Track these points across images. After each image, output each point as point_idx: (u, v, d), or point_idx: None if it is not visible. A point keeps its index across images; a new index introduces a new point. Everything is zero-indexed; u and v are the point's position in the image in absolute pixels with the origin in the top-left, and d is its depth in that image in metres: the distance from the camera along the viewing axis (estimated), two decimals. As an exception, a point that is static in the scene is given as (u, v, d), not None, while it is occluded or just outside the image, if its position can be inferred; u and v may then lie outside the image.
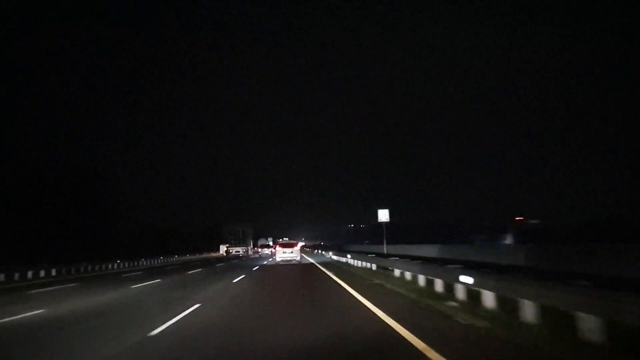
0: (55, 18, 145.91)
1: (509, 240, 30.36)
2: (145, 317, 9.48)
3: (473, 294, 9.50)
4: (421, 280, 12.86)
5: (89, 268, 35.35)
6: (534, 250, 12.57)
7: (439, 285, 11.32)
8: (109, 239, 59.37)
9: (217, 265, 37.33)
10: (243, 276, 21.16)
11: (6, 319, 9.99)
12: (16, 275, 25.85)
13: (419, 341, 6.47)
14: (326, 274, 21.03)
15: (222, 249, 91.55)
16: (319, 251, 60.61)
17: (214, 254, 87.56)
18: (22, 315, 10.53)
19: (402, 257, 19.62)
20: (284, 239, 69.38)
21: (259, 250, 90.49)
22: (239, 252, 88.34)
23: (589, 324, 5.75)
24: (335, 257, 36.96)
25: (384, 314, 8.93)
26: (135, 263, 45.19)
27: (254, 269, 28.27)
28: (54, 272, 30.05)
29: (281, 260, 33.13)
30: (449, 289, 10.96)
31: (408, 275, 14.42)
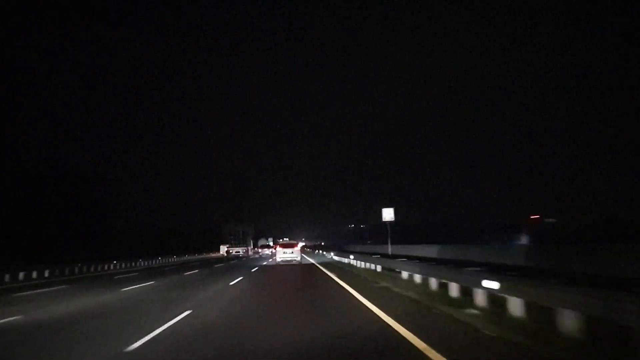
0: (55, 18, 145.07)
1: (524, 240, 28.99)
2: (126, 327, 8.44)
3: (495, 299, 8.49)
4: (433, 283, 11.82)
5: (84, 269, 34.50)
6: (562, 252, 11.50)
7: (454, 289, 10.28)
8: (109, 239, 59.03)
9: (216, 266, 36.36)
10: (241, 278, 20.13)
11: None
12: (7, 277, 24.94)
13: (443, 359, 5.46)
14: (328, 275, 20.00)
15: (222, 249, 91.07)
16: (320, 251, 59.66)
17: (214, 255, 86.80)
18: (-6, 323, 9.57)
19: (409, 258, 18.55)
20: (284, 239, 68.51)
21: (259, 250, 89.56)
22: (238, 252, 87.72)
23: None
24: (336, 258, 36.03)
25: (394, 321, 7.96)
26: (133, 264, 44.41)
27: (253, 270, 27.26)
28: (47, 274, 29.20)
29: (281, 261, 32.74)
30: (465, 293, 9.94)
31: (417, 277, 13.38)
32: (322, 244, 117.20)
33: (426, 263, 13.55)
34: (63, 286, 19.95)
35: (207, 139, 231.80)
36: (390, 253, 25.03)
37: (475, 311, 8.47)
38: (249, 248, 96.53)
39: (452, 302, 9.71)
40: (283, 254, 33.14)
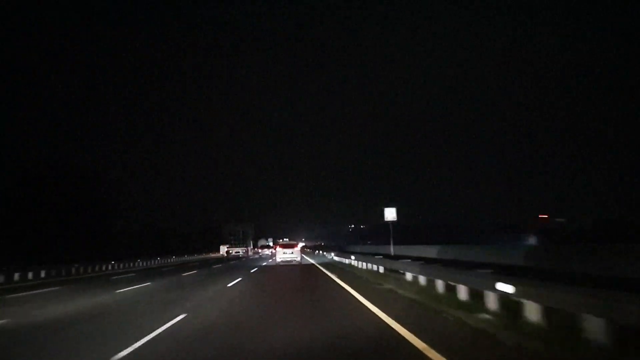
0: (55, 18, 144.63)
1: (532, 240, 28.28)
2: (113, 334, 7.90)
3: (507, 303, 7.97)
4: (439, 285, 11.29)
5: (82, 270, 34.03)
6: (578, 253, 10.93)
7: (462, 292, 9.75)
8: (109, 239, 59.00)
9: (215, 266, 35.85)
10: (239, 279, 19.59)
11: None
12: (1, 278, 24.45)
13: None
14: (329, 277, 19.47)
15: (223, 249, 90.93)
16: (320, 252, 59.16)
17: (214, 255, 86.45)
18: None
19: (412, 259, 17.98)
20: (284, 239, 68.11)
21: (259, 250, 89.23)
22: (238, 252, 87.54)
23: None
24: (337, 258, 35.54)
25: (400, 326, 7.44)
26: (132, 264, 43.97)
27: (252, 271, 26.74)
28: (43, 274, 28.76)
29: (281, 261, 32.67)
30: (474, 296, 9.42)
31: (422, 279, 12.85)
32: (322, 244, 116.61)
33: (433, 264, 12.99)
34: (57, 287, 19.45)
35: (207, 139, 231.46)
36: (392, 253, 24.50)
37: (487, 316, 7.93)
38: (249, 248, 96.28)
39: (461, 305, 9.17)
40: (283, 255, 33.08)
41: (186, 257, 70.29)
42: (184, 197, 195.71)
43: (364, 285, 14.83)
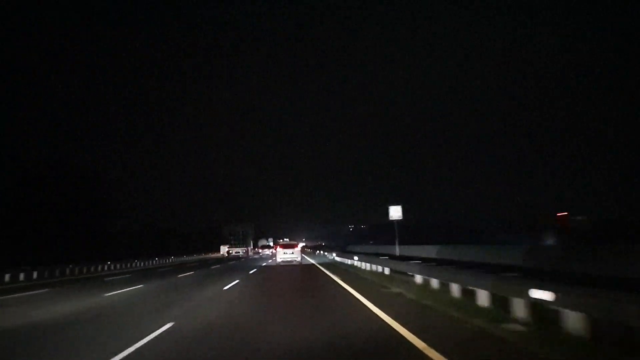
0: (55, 18, 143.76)
1: (550, 240, 27.08)
2: (87, 346, 6.90)
3: (539, 311, 6.97)
4: (455, 290, 10.28)
5: (77, 271, 33.15)
6: (621, 254, 9.84)
7: (483, 297, 8.74)
8: (108, 239, 58.57)
9: (213, 267, 34.85)
10: (237, 281, 18.57)
11: None
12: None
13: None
14: (332, 278, 18.45)
15: (223, 249, 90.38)
16: (321, 252, 58.22)
17: (214, 255, 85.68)
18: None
19: (423, 260, 16.95)
20: (285, 239, 67.21)
21: (260, 250, 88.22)
22: (238, 252, 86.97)
23: None
24: (338, 259, 34.60)
25: (416, 337, 6.47)
26: (129, 265, 43.08)
27: (251, 272, 25.72)
28: (35, 275, 27.86)
29: (282, 261, 32.30)
30: (495, 302, 8.42)
31: (435, 283, 11.83)
32: (323, 244, 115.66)
33: (446, 266, 11.96)
34: (46, 290, 18.47)
35: (207, 138, 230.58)
36: (398, 254, 23.44)
37: (518, 327, 6.91)
38: (249, 248, 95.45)
39: (482, 312, 8.16)
40: (283, 255, 32.75)
41: (185, 258, 69.28)
42: (184, 197, 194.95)
43: (370, 288, 13.82)
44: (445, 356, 5.52)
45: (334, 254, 39.13)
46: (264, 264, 36.36)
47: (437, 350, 5.79)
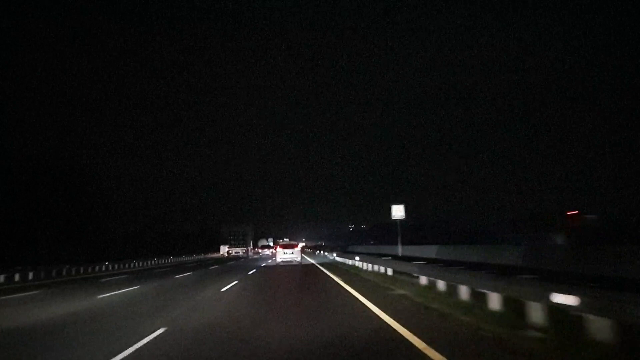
0: (56, 16, 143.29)
1: (560, 240, 26.53)
2: (67, 357, 6.36)
3: (557, 316, 6.46)
4: (464, 292, 9.76)
5: (73, 271, 32.66)
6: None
7: (494, 301, 8.22)
8: (108, 239, 58.11)
9: (211, 268, 34.36)
10: (235, 282, 18.05)
11: None
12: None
13: None
14: (333, 280, 17.95)
15: (223, 249, 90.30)
16: (321, 252, 57.78)
17: (214, 255, 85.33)
18: None
19: (428, 261, 16.41)
20: (285, 239, 66.80)
21: (259, 251, 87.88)
22: (238, 252, 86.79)
23: None
24: (339, 259, 34.12)
25: (430, 348, 5.90)
26: (126, 265, 42.54)
27: (250, 272, 25.20)
28: (30, 276, 27.37)
29: (282, 261, 32.16)
30: (507, 305, 7.91)
31: (441, 284, 11.31)
32: (323, 244, 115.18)
33: (454, 267, 11.45)
34: (38, 291, 17.94)
35: (207, 138, 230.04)
36: (400, 254, 22.92)
37: (535, 333, 6.40)
38: (249, 248, 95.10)
39: (495, 317, 7.63)
40: (283, 255, 32.59)
41: (184, 258, 68.77)
42: (184, 197, 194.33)
43: (374, 290, 13.31)
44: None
45: (335, 254, 38.68)
46: (264, 264, 35.91)
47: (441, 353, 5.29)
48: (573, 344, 5.62)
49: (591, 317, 5.57)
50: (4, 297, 15.89)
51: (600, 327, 5.48)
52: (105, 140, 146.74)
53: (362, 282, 16.26)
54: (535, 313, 6.80)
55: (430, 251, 22.15)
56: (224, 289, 15.35)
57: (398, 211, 21.81)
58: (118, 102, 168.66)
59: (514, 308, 7.68)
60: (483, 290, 8.70)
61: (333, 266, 27.44)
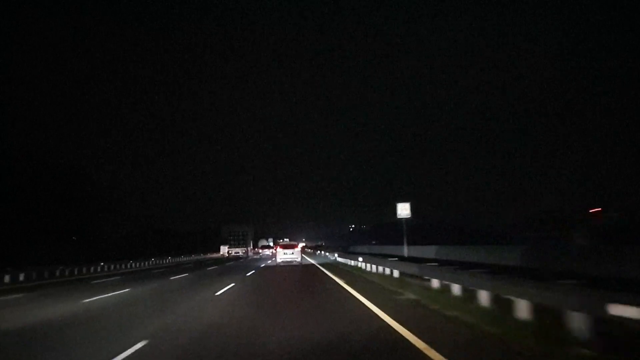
0: (56, 16, 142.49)
1: (580, 239, 25.40)
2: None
3: (603, 330, 5.43)
4: (483, 298, 8.72)
5: (66, 272, 31.66)
6: None
7: (523, 309, 7.19)
8: (107, 239, 57.49)
9: (209, 268, 33.38)
10: (232, 285, 16.99)
11: None
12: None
13: None
14: (336, 282, 16.92)
15: (223, 249, 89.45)
16: (321, 252, 56.81)
17: (214, 255, 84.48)
18: None
19: (441, 262, 15.35)
20: (285, 239, 65.89)
21: (260, 251, 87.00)
22: (238, 253, 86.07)
23: None
24: (340, 260, 33.12)
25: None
26: (122, 266, 41.50)
27: (249, 274, 24.17)
28: (22, 277, 26.42)
29: (282, 262, 31.74)
30: (541, 315, 6.88)
31: (456, 289, 10.27)
32: (323, 244, 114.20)
33: (469, 270, 10.41)
34: (21, 294, 16.90)
35: (208, 138, 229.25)
36: (406, 255, 21.85)
37: (581, 350, 5.36)
38: (249, 249, 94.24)
39: (527, 330, 6.58)
40: (283, 255, 32.14)
41: (183, 258, 67.75)
42: (183, 197, 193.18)
43: (380, 294, 12.30)
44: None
45: (336, 255, 37.73)
46: (263, 264, 35.12)
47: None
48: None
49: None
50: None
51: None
52: (105, 140, 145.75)
53: (367, 284, 15.22)
54: (579, 326, 5.76)
55: (438, 252, 21.07)
56: (218, 293, 14.27)
57: (404, 209, 20.77)
58: (118, 103, 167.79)
59: (548, 318, 6.65)
60: (508, 297, 7.68)
61: (335, 267, 26.43)
